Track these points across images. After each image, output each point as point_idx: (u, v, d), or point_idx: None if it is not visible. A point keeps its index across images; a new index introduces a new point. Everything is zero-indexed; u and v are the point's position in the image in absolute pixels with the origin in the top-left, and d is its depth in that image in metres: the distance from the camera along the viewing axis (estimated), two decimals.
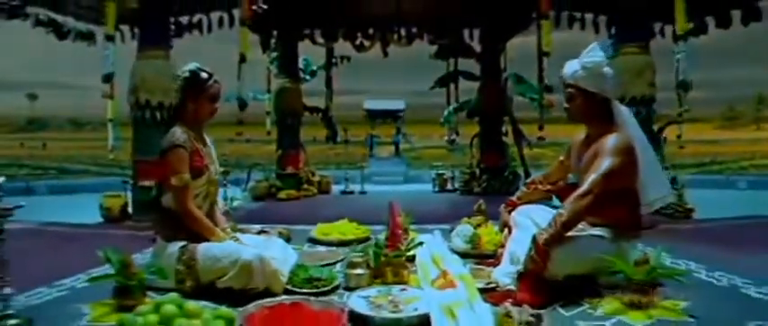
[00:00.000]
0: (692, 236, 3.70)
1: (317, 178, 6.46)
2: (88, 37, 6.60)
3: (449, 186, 6.53)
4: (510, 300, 1.86)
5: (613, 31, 5.24)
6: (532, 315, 1.73)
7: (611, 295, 1.97)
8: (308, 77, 7.67)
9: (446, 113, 7.54)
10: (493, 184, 5.99)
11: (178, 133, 2.14)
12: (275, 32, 6.94)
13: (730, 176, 10.59)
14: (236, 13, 6.43)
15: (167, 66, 4.86)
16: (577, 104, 2.24)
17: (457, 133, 7.51)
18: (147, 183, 4.72)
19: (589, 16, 6.31)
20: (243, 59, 4.84)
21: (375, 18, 7.01)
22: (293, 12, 6.39)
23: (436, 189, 6.51)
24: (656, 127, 4.85)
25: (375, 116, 14.08)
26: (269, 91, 6.92)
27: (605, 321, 1.79)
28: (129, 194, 4.90)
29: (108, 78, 4.56)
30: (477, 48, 7.02)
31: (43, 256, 3.49)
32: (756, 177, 10.42)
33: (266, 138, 7.29)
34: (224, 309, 1.72)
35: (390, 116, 14.25)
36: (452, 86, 7.62)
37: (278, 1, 5.43)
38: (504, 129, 6.95)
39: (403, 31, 7.13)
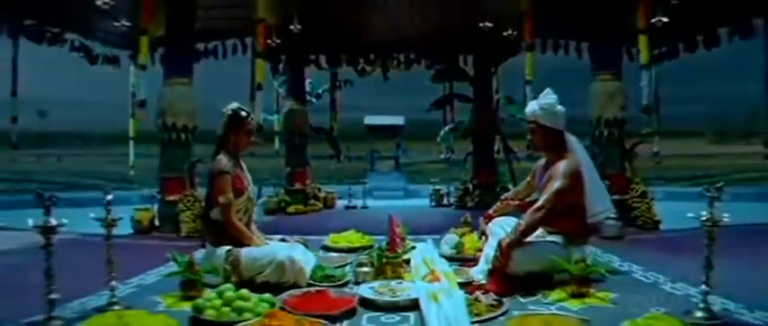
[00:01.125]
0: (649, 244, 4.34)
1: (322, 194, 7.10)
2: (114, 61, 7.35)
3: (445, 201, 7.17)
4: (481, 290, 2.49)
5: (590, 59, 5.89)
6: (495, 300, 2.37)
7: (559, 288, 2.59)
8: (313, 100, 8.36)
9: (442, 132, 8.22)
10: (485, 199, 6.60)
11: (224, 161, 2.79)
12: (284, 58, 7.67)
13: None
14: (248, 40, 7.24)
15: (190, 92, 5.55)
16: (538, 136, 2.90)
17: (452, 151, 8.18)
18: (171, 198, 5.40)
19: (572, 43, 7.07)
20: (259, 88, 5.54)
21: (376, 44, 7.73)
22: (300, 39, 7.09)
23: (433, 204, 7.16)
24: (627, 144, 5.50)
25: (375, 132, 14.71)
26: (277, 112, 7.61)
27: (552, 307, 2.41)
28: (156, 208, 5.57)
29: (142, 104, 5.25)
30: (471, 72, 7.73)
31: (97, 261, 4.13)
32: (740, 189, 11.01)
33: (271, 153, 7.95)
34: (266, 295, 2.35)
35: (390, 132, 14.89)
36: (448, 107, 8.31)
37: (287, 31, 6.12)
38: (496, 147, 7.62)
39: (402, 57, 7.88)
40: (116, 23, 5.67)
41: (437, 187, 7.27)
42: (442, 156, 7.90)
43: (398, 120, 15.18)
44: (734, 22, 6.12)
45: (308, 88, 7.93)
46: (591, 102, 5.48)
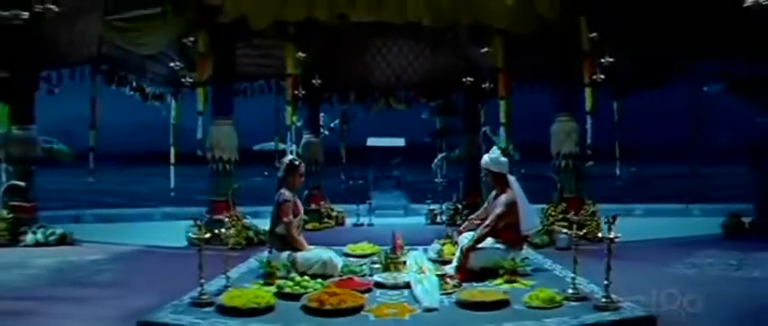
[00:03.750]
0: (588, 253, 5.95)
1: (334, 213, 8.81)
2: (159, 97, 9.13)
3: (438, 219, 8.86)
4: (450, 277, 4.18)
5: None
6: (457, 283, 4.06)
7: (500, 277, 4.27)
8: (327, 132, 10.12)
9: (436, 160, 9.97)
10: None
11: (286, 194, 4.49)
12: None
13: (689, 205, 12.82)
14: (272, 82, 9.05)
15: (232, 130, 7.29)
16: (489, 178, 4.62)
17: (444, 176, 9.91)
18: (218, 216, 7.10)
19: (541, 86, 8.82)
20: (289, 128, 7.32)
21: (380, 84, 9.52)
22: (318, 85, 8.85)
23: (428, 222, 8.86)
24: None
25: (378, 153, 16.41)
26: (296, 144, 9.36)
27: (494, 288, 4.08)
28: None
29: (201, 142, 6.99)
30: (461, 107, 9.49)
31: (176, 265, 5.83)
32: (711, 206, 12.64)
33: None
34: (318, 280, 4.04)
35: (392, 152, 16.58)
36: (442, 139, 10.08)
37: (308, 82, 7.90)
38: (482, 172, 9.33)
39: (402, 95, 9.65)
40: (173, 65, 7.39)
41: (432, 207, 8.97)
42: (437, 180, 9.62)
43: (399, 141, 16.89)
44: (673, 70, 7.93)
45: (321, 122, 9.70)
46: (552, 138, 7.23)
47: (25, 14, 4.39)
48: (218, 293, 3.84)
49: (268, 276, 4.18)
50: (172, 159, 9.04)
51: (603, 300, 3.45)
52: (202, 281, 3.73)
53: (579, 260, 3.86)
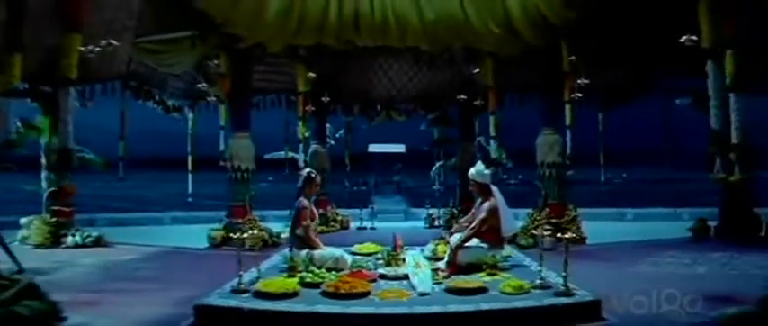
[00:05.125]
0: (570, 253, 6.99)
1: (340, 218, 9.82)
2: (179, 109, 10.16)
3: (436, 223, 9.87)
4: (442, 271, 5.19)
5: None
6: (447, 275, 5.08)
7: (483, 271, 5.28)
8: (332, 142, 11.15)
9: (434, 168, 11.00)
10: None
11: (304, 202, 5.50)
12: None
13: (677, 209, 13.80)
14: (282, 96, 10.09)
15: (249, 143, 8.31)
16: (474, 188, 5.63)
17: (441, 183, 10.94)
18: (236, 220, 8.13)
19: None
20: (301, 141, 8.34)
21: (381, 98, 10.55)
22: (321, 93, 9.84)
23: (426, 226, 9.86)
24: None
25: (379, 158, 17.43)
26: (304, 153, 10.38)
27: (479, 279, 5.07)
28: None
29: (222, 153, 8.02)
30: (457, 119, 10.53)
31: (202, 263, 6.86)
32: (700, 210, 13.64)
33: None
34: (333, 272, 5.05)
35: (393, 158, 17.60)
36: (440, 148, 11.12)
37: (317, 98, 8.94)
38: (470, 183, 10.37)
39: (402, 107, 10.68)
40: (201, 85, 8.44)
41: (430, 212, 9.98)
42: (435, 187, 10.65)
43: (399, 147, 17.93)
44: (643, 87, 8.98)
45: (328, 133, 10.73)
46: (537, 150, 8.26)
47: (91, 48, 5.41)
48: (251, 283, 4.84)
49: (291, 270, 5.18)
50: (189, 167, 10.08)
51: (562, 288, 4.44)
52: (241, 273, 4.73)
53: (557, 259, 4.79)
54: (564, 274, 4.50)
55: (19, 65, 6.54)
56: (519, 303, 4.26)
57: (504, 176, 10.34)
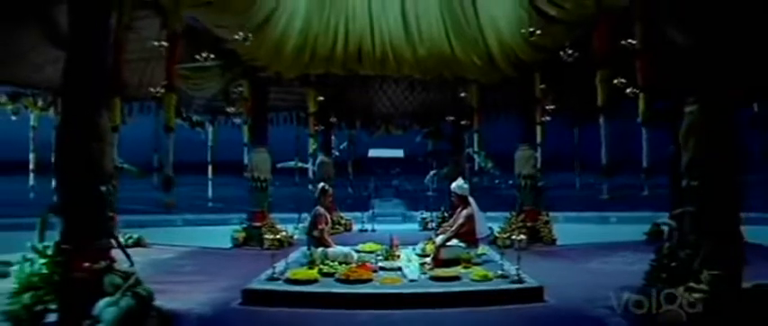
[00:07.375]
0: (536, 253, 8.75)
1: (343, 221, 11.59)
2: (201, 124, 11.88)
3: (429, 226, 11.62)
4: (428, 264, 6.96)
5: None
6: (432, 267, 6.85)
7: (460, 264, 7.04)
8: (337, 153, 12.91)
9: (428, 177, 12.79)
10: None
11: (321, 209, 7.26)
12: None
13: (656, 213, 15.57)
14: (293, 113, 11.85)
15: (267, 156, 10.07)
16: (455, 199, 7.40)
17: (435, 190, 12.73)
18: (257, 224, 9.89)
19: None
20: (311, 154, 10.12)
21: (381, 114, 12.31)
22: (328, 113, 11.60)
23: (421, 228, 11.63)
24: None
25: (378, 163, 19.17)
26: (312, 163, 12.16)
27: (455, 270, 6.83)
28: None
29: (245, 167, 9.78)
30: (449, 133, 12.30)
31: (231, 260, 8.62)
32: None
33: (309, 192, 12.49)
34: (344, 265, 6.82)
35: (391, 163, 19.34)
36: (433, 158, 12.90)
37: (325, 117, 10.71)
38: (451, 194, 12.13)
39: (399, 122, 12.44)
40: (229, 109, 10.18)
41: (424, 216, 11.76)
42: (429, 193, 12.44)
43: (398, 152, 19.68)
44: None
45: (333, 145, 12.50)
46: (515, 163, 10.03)
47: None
48: (282, 273, 6.60)
49: (310, 263, 6.94)
50: (209, 174, 11.81)
51: (515, 276, 6.20)
52: (275, 265, 6.48)
53: (526, 257, 6.50)
54: (517, 266, 6.27)
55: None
56: (482, 287, 6.04)
57: (497, 181, 12.12)
